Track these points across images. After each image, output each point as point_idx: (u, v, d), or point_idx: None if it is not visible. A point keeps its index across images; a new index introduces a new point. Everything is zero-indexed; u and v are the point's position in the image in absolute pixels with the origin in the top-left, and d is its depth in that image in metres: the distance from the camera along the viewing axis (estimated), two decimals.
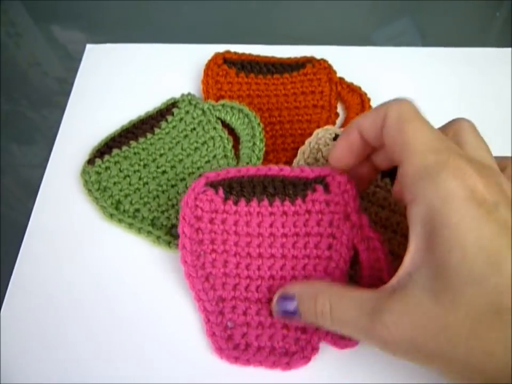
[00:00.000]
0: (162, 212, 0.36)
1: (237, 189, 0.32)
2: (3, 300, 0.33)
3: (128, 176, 0.38)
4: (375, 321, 0.23)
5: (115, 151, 0.38)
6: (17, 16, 0.69)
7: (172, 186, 0.37)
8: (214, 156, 0.39)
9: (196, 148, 0.39)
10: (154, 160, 0.38)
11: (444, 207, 0.22)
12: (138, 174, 0.38)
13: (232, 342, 0.30)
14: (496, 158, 0.26)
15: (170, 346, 0.31)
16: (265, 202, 0.31)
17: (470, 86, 0.45)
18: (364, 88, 0.43)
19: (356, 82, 0.43)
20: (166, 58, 0.46)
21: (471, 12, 0.62)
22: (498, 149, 0.28)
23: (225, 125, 0.40)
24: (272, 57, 0.45)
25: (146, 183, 0.37)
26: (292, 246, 0.31)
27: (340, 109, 0.43)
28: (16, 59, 0.67)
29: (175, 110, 0.40)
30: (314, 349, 0.30)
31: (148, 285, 0.34)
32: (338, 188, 0.30)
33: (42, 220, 0.37)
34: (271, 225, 0.31)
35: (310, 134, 0.38)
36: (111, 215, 0.36)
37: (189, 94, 0.41)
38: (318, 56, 0.44)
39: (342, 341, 0.29)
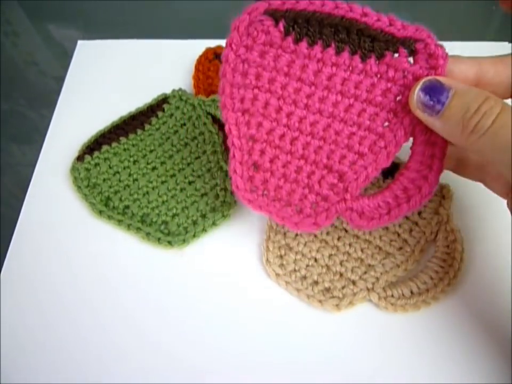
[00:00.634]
0: (152, 209, 0.36)
1: (302, 25, 0.26)
2: None
3: (118, 172, 0.37)
4: None
5: (105, 147, 0.38)
6: (14, 15, 0.69)
7: (162, 182, 0.37)
8: (204, 152, 0.38)
9: (186, 144, 0.39)
10: (144, 156, 0.38)
11: None
12: (128, 170, 0.37)
13: (251, 184, 0.29)
14: None
15: (160, 343, 0.31)
16: (332, 49, 0.27)
17: None
18: None
19: None
20: (157, 53, 0.46)
21: (468, 6, 0.61)
22: None
23: (215, 120, 0.40)
24: None
25: (136, 179, 0.37)
26: (345, 108, 0.27)
27: None
28: (14, 58, 0.67)
29: (165, 106, 0.40)
30: (328, 219, 0.28)
31: (137, 282, 0.33)
32: (427, 61, 0.25)
33: (32, 217, 0.37)
34: (329, 78, 0.27)
35: None
36: (100, 212, 0.36)
37: (180, 89, 0.41)
38: None
39: (359, 221, 0.27)
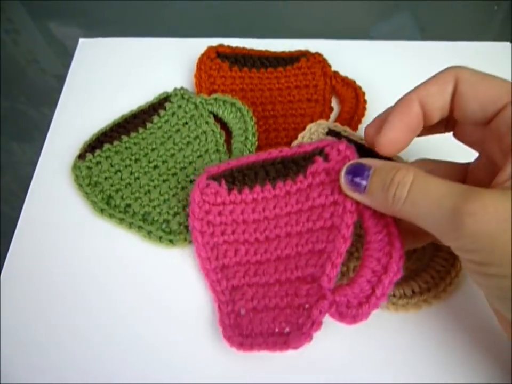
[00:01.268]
0: (154, 207, 0.36)
1: (238, 178, 0.32)
2: None
3: (120, 171, 0.37)
4: (467, 201, 0.21)
5: (106, 145, 0.38)
6: (15, 13, 0.68)
7: (164, 181, 0.37)
8: (206, 151, 0.38)
9: (188, 142, 0.39)
10: (146, 154, 0.38)
11: None
12: (129, 168, 0.37)
13: (239, 329, 0.29)
14: None
15: (161, 341, 0.31)
16: (268, 186, 0.32)
17: None
18: (358, 82, 0.42)
19: (351, 76, 0.43)
20: (159, 52, 0.46)
21: (469, 5, 0.61)
22: None
23: (217, 119, 0.40)
24: (266, 51, 0.44)
25: (138, 178, 0.37)
26: (296, 222, 0.31)
27: (334, 103, 0.42)
28: (14, 56, 0.67)
29: (167, 104, 0.40)
30: (315, 324, 0.28)
31: (138, 280, 0.33)
32: (338, 155, 0.30)
33: (33, 215, 0.37)
34: (275, 207, 0.32)
35: (304, 128, 0.37)
36: (102, 210, 0.36)
37: (182, 88, 0.41)
38: (313, 50, 0.44)
39: (349, 312, 0.27)
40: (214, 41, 0.44)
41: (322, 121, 0.38)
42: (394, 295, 0.31)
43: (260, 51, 0.44)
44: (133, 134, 0.39)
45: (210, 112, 0.40)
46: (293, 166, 0.32)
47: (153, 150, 0.38)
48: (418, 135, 0.29)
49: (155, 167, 0.37)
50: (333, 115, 0.41)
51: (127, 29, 0.57)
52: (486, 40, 0.47)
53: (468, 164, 0.30)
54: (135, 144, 0.38)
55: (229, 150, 0.38)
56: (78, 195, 0.37)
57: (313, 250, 0.30)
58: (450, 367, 0.29)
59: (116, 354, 0.31)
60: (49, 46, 0.68)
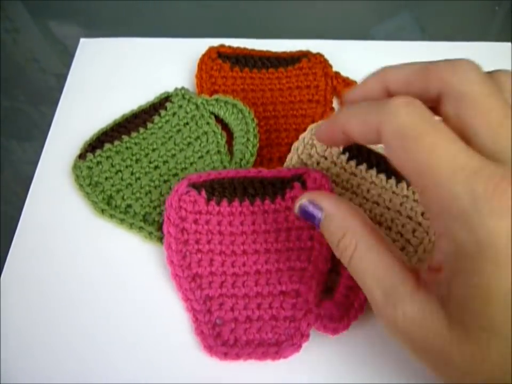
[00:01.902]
0: (155, 208, 0.36)
1: (218, 190, 0.33)
2: None
3: (120, 171, 0.37)
4: (392, 304, 0.22)
5: (107, 145, 0.38)
6: (15, 12, 0.68)
7: (165, 181, 0.37)
8: (207, 151, 0.38)
9: (189, 143, 0.38)
10: (146, 155, 0.38)
11: (479, 256, 0.18)
12: (130, 169, 0.37)
13: (220, 339, 0.30)
14: None
15: (162, 343, 0.31)
16: (247, 202, 0.33)
17: None
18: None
19: (352, 76, 0.42)
20: (160, 52, 0.46)
21: (470, 6, 0.61)
22: None
23: (219, 119, 0.40)
24: (267, 51, 0.44)
25: (139, 178, 0.37)
26: (274, 240, 0.32)
27: (335, 103, 0.42)
28: (14, 55, 0.67)
29: (168, 104, 0.40)
30: (304, 336, 0.29)
31: (139, 281, 0.33)
32: (314, 183, 0.32)
33: (34, 215, 0.37)
34: (253, 223, 0.32)
35: (305, 129, 0.37)
36: (102, 211, 0.36)
37: (183, 88, 0.41)
38: (314, 50, 0.44)
39: (332, 324, 0.29)
40: (215, 42, 0.44)
41: None
42: None
43: (261, 51, 0.44)
44: (133, 134, 0.39)
45: (211, 113, 0.39)
46: (272, 187, 0.33)
47: (154, 150, 0.38)
48: None
49: (156, 167, 0.37)
50: None
51: (128, 29, 0.57)
52: (486, 40, 0.47)
53: None
54: (135, 144, 0.38)
55: (230, 151, 0.38)
56: (78, 195, 0.37)
57: (295, 268, 0.31)
58: None
59: (117, 355, 0.30)
60: (49, 45, 0.68)
